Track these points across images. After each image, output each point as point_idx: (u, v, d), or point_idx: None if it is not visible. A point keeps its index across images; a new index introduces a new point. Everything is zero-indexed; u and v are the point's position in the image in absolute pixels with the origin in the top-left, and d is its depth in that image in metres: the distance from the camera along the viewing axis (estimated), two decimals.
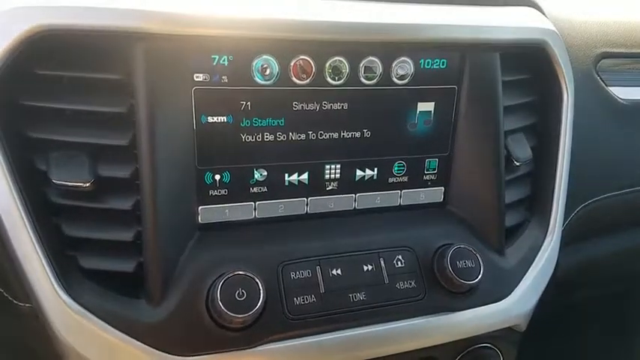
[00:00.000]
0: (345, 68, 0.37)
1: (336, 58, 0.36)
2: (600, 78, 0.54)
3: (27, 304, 0.33)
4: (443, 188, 0.43)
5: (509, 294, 0.42)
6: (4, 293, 0.34)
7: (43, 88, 0.32)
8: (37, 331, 0.33)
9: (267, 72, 0.35)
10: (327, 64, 0.36)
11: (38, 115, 0.32)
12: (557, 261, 0.46)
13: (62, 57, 0.32)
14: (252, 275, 0.33)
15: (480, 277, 0.38)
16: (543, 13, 0.45)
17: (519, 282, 0.43)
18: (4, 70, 0.29)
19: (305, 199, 0.40)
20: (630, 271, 0.69)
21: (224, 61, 0.34)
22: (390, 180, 0.42)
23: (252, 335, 0.34)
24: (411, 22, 0.36)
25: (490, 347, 0.43)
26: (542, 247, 0.44)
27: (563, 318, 0.75)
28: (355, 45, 0.36)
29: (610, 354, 0.81)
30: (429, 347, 0.40)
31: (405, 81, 0.39)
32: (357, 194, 0.41)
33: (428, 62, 0.39)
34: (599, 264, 0.62)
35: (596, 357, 0.82)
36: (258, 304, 0.32)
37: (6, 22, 0.29)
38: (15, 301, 0.34)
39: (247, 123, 0.36)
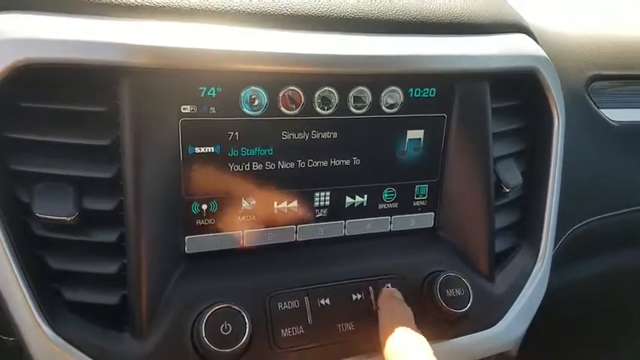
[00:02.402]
0: (335, 98, 0.37)
1: (326, 88, 0.36)
2: (592, 100, 0.54)
3: (11, 338, 0.33)
4: (433, 214, 0.43)
5: (499, 320, 0.42)
6: None
7: (27, 120, 0.32)
8: None
9: (256, 103, 0.35)
10: (317, 95, 0.36)
11: (21, 147, 0.32)
12: (548, 283, 0.46)
13: (46, 89, 0.31)
14: (237, 308, 0.33)
15: (469, 305, 0.38)
16: (534, 38, 0.45)
17: (509, 308, 0.42)
18: None
19: (294, 226, 0.40)
20: (619, 289, 0.69)
21: (212, 92, 0.34)
22: (380, 206, 0.42)
23: None
24: (401, 53, 0.36)
25: None
26: (533, 273, 0.44)
27: (552, 336, 0.75)
28: (344, 77, 0.36)
29: None
30: None
31: (395, 110, 0.39)
32: (347, 221, 0.41)
33: (417, 91, 0.39)
34: (589, 283, 0.62)
35: None
36: (244, 339, 0.32)
37: None
38: None
39: (235, 153, 0.36)
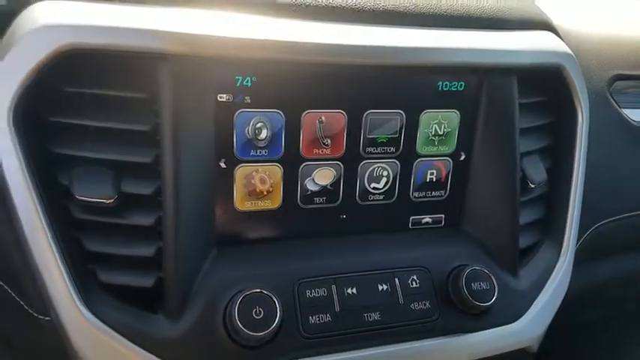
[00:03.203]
0: None
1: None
2: (614, 100, 0.54)
3: (47, 318, 0.34)
4: (458, 208, 0.44)
5: (522, 315, 0.42)
6: (25, 306, 0.35)
7: (69, 105, 0.33)
8: (56, 344, 0.34)
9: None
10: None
11: (63, 131, 0.33)
12: (570, 282, 0.46)
13: (89, 75, 0.32)
14: (269, 293, 0.33)
15: (494, 299, 0.38)
16: (559, 36, 0.46)
17: (532, 303, 0.43)
18: (31, 87, 0.30)
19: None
20: None
21: (247, 82, 0.35)
22: (405, 198, 0.42)
23: (268, 353, 0.34)
24: (431, 46, 0.37)
25: None
26: (556, 269, 0.44)
27: (572, 337, 0.75)
28: (378, 69, 0.36)
29: None
30: None
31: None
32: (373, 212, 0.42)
33: (446, 85, 0.40)
34: (611, 284, 0.62)
35: None
36: (275, 323, 0.33)
37: (35, 40, 0.30)
38: (35, 314, 0.34)
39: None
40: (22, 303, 0.35)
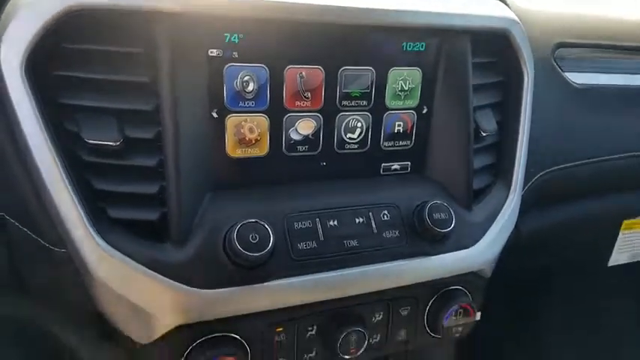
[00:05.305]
0: None
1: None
2: (557, 64, 0.62)
3: (62, 250, 0.38)
4: (422, 156, 0.50)
5: (476, 243, 0.49)
6: (41, 241, 0.38)
7: (74, 60, 0.36)
8: (72, 277, 0.38)
9: None
10: None
11: (69, 83, 0.36)
12: (519, 227, 0.53)
13: (92, 33, 0.36)
14: (263, 222, 0.39)
15: (451, 227, 0.45)
16: (507, 5, 0.52)
17: (484, 233, 0.50)
18: (37, 46, 0.34)
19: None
20: (584, 239, 0.79)
21: (235, 38, 0.39)
22: (376, 147, 0.48)
23: (263, 273, 0.39)
24: (394, 8, 0.42)
25: (460, 289, 0.51)
26: (505, 205, 0.52)
27: (526, 282, 0.84)
28: (348, 28, 0.41)
29: (569, 317, 0.91)
30: (409, 287, 0.47)
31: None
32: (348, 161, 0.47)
33: (410, 45, 0.46)
34: (557, 231, 0.71)
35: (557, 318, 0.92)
36: (270, 246, 0.38)
37: (39, 3, 0.33)
38: (51, 247, 0.38)
39: None
40: (37, 238, 0.38)
